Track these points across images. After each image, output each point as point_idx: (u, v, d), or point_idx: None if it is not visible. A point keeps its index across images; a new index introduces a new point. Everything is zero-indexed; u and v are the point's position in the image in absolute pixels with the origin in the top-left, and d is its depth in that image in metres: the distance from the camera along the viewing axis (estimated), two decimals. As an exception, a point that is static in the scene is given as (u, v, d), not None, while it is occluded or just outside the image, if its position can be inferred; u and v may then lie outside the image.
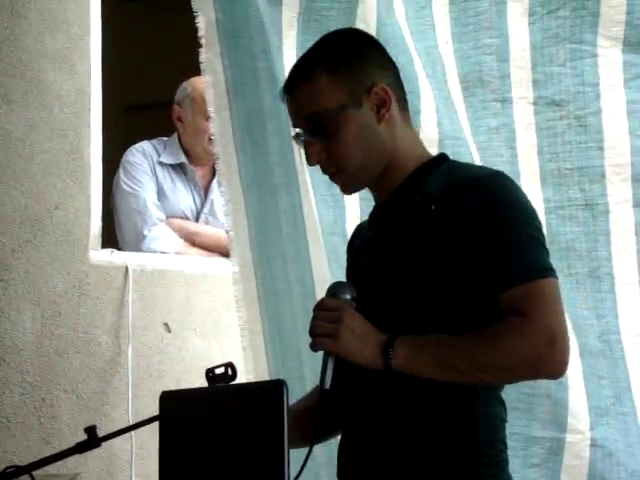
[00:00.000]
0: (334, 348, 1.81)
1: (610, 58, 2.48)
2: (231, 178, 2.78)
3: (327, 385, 1.81)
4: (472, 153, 2.46)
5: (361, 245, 2.02)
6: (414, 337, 1.83)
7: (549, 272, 1.83)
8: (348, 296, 1.86)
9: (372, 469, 1.89)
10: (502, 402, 1.93)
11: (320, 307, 1.85)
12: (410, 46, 2.50)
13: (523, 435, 2.36)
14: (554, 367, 1.80)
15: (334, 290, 1.88)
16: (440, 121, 2.49)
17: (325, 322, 1.82)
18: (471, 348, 1.81)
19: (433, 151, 2.39)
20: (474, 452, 1.85)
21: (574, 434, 2.34)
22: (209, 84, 2.76)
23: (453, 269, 1.84)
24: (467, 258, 1.83)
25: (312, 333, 1.84)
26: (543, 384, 2.34)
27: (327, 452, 2.49)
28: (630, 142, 2.44)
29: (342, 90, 1.85)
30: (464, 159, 2.40)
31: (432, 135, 2.47)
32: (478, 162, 2.44)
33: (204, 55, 2.73)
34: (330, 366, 1.82)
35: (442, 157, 1.98)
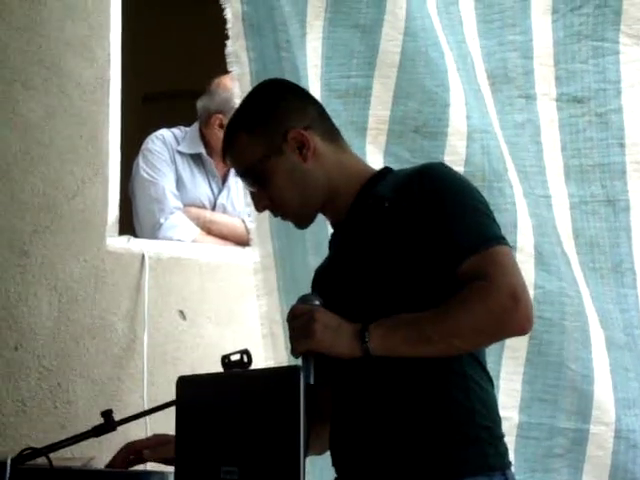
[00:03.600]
0: (311, 345, 1.89)
1: (632, 56, 2.52)
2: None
3: (311, 381, 1.87)
4: (501, 147, 2.49)
5: (326, 268, 2.15)
6: (386, 319, 1.91)
7: (500, 240, 1.93)
8: (317, 302, 1.94)
9: (365, 455, 1.94)
10: (489, 377, 2.00)
11: (292, 314, 1.93)
12: (442, 40, 2.53)
13: (548, 426, 2.39)
14: (521, 321, 1.87)
15: (302, 299, 1.97)
16: (469, 114, 2.52)
17: (298, 326, 1.91)
18: (441, 318, 1.88)
19: (462, 144, 2.42)
20: (472, 425, 1.91)
21: (598, 425, 2.38)
22: (235, 77, 2.78)
23: (413, 255, 1.93)
24: (424, 241, 1.93)
25: (290, 339, 1.92)
26: (568, 376, 2.38)
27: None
28: (650, 139, 2.47)
29: (261, 144, 2.07)
30: (493, 152, 2.44)
31: (461, 128, 2.50)
32: (507, 156, 2.48)
33: (230, 48, 2.76)
34: (311, 364, 1.88)
35: (387, 169, 2.12)
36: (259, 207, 2.10)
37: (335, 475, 2.04)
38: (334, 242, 2.14)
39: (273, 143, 2.04)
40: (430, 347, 1.88)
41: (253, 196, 2.09)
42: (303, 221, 2.12)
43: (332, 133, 2.11)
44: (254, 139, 2.05)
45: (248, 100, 2.14)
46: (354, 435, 1.98)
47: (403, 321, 1.90)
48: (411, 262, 1.93)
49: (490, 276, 1.87)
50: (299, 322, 1.91)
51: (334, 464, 2.03)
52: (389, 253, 1.95)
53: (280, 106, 2.08)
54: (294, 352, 1.92)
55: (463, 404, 1.93)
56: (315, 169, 2.05)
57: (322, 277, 2.14)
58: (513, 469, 1.96)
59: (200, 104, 3.64)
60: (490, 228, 1.94)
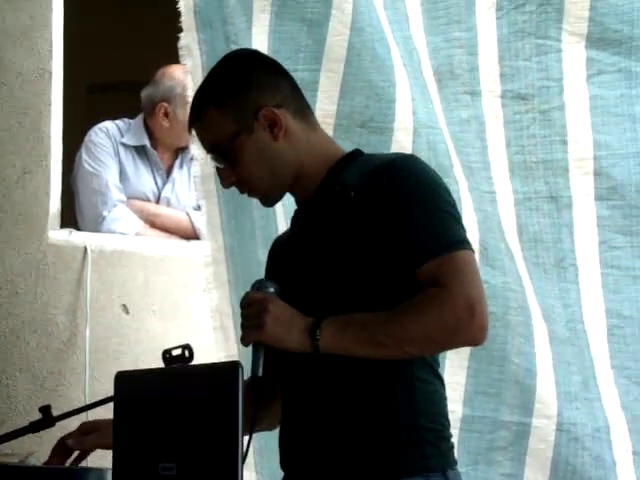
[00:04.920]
0: (262, 337, 1.86)
1: (574, 54, 2.56)
2: (205, 162, 2.80)
3: (259, 373, 1.86)
4: (447, 143, 2.51)
5: (284, 245, 2.10)
6: (339, 317, 1.88)
7: (464, 244, 1.90)
8: (272, 289, 1.92)
9: (310, 453, 1.94)
10: (441, 379, 1.99)
11: (245, 301, 1.91)
12: (388, 35, 2.54)
13: (491, 419, 2.42)
14: (475, 333, 1.86)
15: (258, 285, 1.94)
16: (415, 110, 2.53)
17: (250, 315, 1.88)
18: (394, 322, 1.86)
19: (408, 139, 2.44)
20: (416, 427, 1.90)
21: (540, 419, 2.42)
22: (187, 70, 2.78)
23: (375, 250, 1.91)
24: (387, 238, 1.90)
25: (241, 327, 1.90)
26: (512, 370, 2.41)
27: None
28: (592, 137, 2.51)
29: (231, 120, 1.99)
30: (439, 148, 2.45)
31: (407, 124, 2.52)
32: (453, 152, 2.50)
33: (182, 40, 2.75)
34: (260, 356, 1.87)
35: (357, 152, 2.07)
36: (225, 183, 2.04)
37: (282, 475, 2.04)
38: (297, 221, 2.09)
39: (244, 120, 1.98)
40: (381, 350, 1.87)
41: (220, 172, 2.03)
42: (270, 199, 2.06)
43: (303, 110, 2.04)
44: (224, 114, 1.98)
45: (218, 71, 2.06)
46: (300, 433, 1.97)
47: (356, 322, 1.87)
48: (372, 258, 1.90)
49: (448, 284, 1.84)
50: (251, 311, 1.88)
51: (281, 462, 2.02)
52: (350, 246, 1.92)
53: (252, 81, 2.01)
54: (243, 341, 1.90)
55: (408, 406, 1.91)
56: (285, 148, 1.99)
57: (280, 256, 2.09)
58: (458, 467, 1.96)
59: (144, 93, 3.62)
60: (454, 231, 1.91)
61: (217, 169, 2.03)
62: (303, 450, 1.96)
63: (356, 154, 2.05)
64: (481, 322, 1.85)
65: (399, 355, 1.88)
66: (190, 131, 2.06)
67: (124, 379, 1.92)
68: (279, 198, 2.07)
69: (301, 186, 2.03)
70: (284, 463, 2.01)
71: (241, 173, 2.00)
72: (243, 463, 1.69)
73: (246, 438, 1.80)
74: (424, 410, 1.92)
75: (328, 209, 1.98)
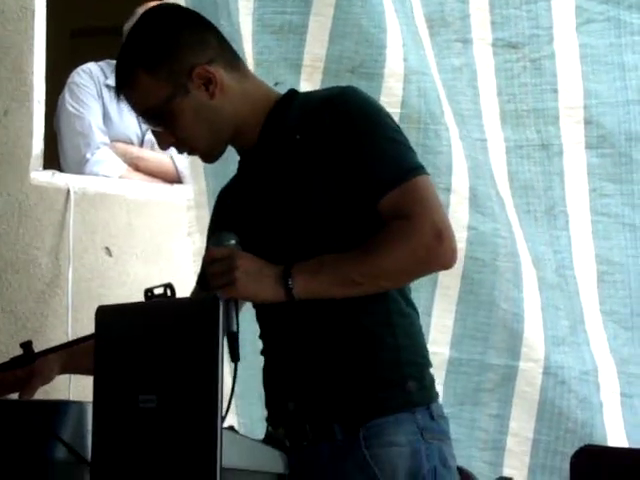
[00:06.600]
0: (234, 293, 1.83)
1: (563, 2, 2.57)
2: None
3: (234, 328, 1.83)
4: (438, 90, 2.51)
5: (234, 196, 2.06)
6: (309, 262, 1.87)
7: (418, 170, 1.90)
8: (233, 241, 1.88)
9: (294, 395, 1.95)
10: (415, 309, 1.99)
11: (210, 259, 1.87)
12: (379, -20, 2.54)
13: (478, 362, 2.46)
14: (446, 258, 1.87)
15: (218, 240, 1.90)
16: (406, 56, 2.53)
17: (219, 272, 1.85)
18: (365, 259, 1.86)
19: (399, 86, 2.43)
20: (399, 362, 1.92)
21: (527, 362, 2.46)
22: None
23: (331, 189, 1.90)
24: (341, 175, 1.89)
25: (210, 287, 1.86)
26: (499, 315, 2.45)
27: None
28: (583, 85, 2.53)
29: (164, 84, 1.94)
30: (430, 95, 2.46)
31: (397, 70, 2.51)
32: (444, 99, 2.50)
33: (165, -19, 2.72)
34: (233, 311, 1.84)
35: (292, 92, 2.04)
36: (163, 146, 2.01)
37: (264, 411, 2.06)
38: (243, 170, 2.05)
39: (178, 82, 1.93)
40: (356, 288, 1.87)
41: (156, 135, 1.99)
42: (211, 156, 2.03)
43: (234, 60, 2.00)
44: (156, 78, 1.93)
45: (143, 32, 1.98)
46: (283, 376, 1.98)
47: (327, 264, 1.87)
48: (329, 198, 1.89)
49: (412, 214, 1.85)
50: (219, 268, 1.84)
51: (266, 404, 2.03)
52: (305, 189, 1.90)
53: (182, 40, 1.94)
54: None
55: (389, 342, 1.92)
56: (222, 104, 1.95)
57: (231, 207, 2.06)
58: (440, 400, 1.98)
59: (125, 29, 3.56)
60: (407, 158, 1.90)
61: (153, 132, 1.99)
62: (288, 392, 1.96)
63: (292, 94, 2.02)
64: (450, 245, 1.86)
65: (375, 290, 1.89)
66: (118, 96, 2.00)
67: (105, 314, 1.89)
68: (220, 154, 2.03)
69: (242, 136, 2.00)
70: (269, 404, 2.02)
71: (179, 135, 1.96)
72: (222, 394, 1.69)
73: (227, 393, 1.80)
74: (404, 344, 1.93)
75: (275, 154, 1.96)
